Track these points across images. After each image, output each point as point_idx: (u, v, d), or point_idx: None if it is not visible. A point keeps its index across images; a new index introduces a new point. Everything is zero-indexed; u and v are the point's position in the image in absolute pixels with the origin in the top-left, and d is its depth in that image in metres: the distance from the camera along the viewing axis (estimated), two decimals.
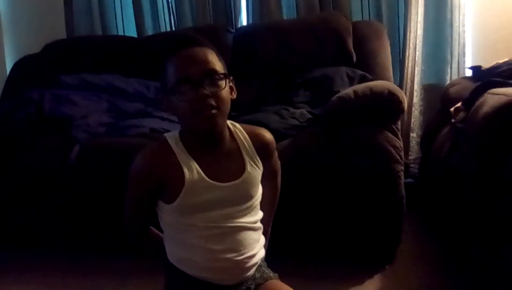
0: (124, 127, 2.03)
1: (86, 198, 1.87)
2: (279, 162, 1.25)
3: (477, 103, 1.50)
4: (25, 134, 1.98)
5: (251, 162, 1.10)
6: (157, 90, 2.31)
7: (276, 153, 1.21)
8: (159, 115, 2.12)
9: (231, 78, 1.08)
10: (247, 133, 1.12)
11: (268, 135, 1.16)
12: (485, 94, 1.50)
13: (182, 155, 1.05)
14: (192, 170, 1.04)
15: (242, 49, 2.43)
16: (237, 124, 1.14)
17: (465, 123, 1.60)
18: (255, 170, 1.10)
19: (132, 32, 2.83)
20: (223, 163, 1.08)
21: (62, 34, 2.84)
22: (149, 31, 2.78)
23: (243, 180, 1.08)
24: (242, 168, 1.09)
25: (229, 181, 1.07)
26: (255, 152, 1.11)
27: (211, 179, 1.05)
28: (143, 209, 1.12)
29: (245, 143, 1.11)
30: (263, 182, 1.14)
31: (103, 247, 1.91)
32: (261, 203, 1.15)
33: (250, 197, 1.10)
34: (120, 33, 2.85)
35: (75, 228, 1.94)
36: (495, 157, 1.33)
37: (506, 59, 2.01)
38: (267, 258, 1.20)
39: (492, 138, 1.34)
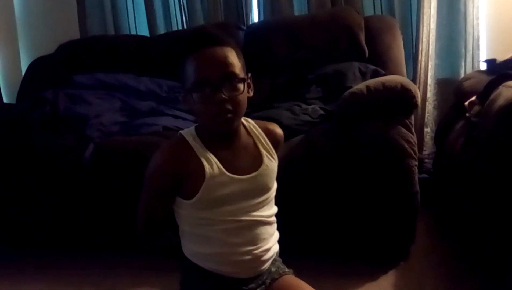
0: (138, 126, 2.04)
1: (101, 196, 1.89)
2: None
3: (492, 96, 1.48)
4: (40, 133, 2.00)
5: (268, 155, 1.12)
6: (170, 88, 2.33)
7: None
8: (171, 113, 2.14)
9: (249, 75, 1.08)
10: (261, 128, 1.14)
11: (279, 130, 1.18)
12: (500, 87, 1.48)
13: (200, 150, 1.06)
14: (212, 164, 1.05)
15: (254, 46, 2.42)
16: (250, 120, 1.15)
17: (480, 117, 1.58)
18: (272, 163, 1.12)
19: (144, 31, 2.85)
20: (241, 156, 1.09)
21: (75, 35, 2.87)
22: (161, 30, 2.81)
23: (260, 172, 1.09)
24: (259, 161, 1.10)
25: (247, 174, 1.07)
26: (270, 145, 1.13)
27: (230, 173, 1.05)
28: (160, 208, 1.11)
29: (260, 137, 1.12)
30: None
31: (118, 244, 1.93)
32: None
33: (267, 189, 1.11)
34: (133, 32, 2.88)
35: (90, 226, 1.97)
36: (511, 151, 1.31)
37: None
38: (280, 254, 1.20)
39: (507, 131, 1.32)
